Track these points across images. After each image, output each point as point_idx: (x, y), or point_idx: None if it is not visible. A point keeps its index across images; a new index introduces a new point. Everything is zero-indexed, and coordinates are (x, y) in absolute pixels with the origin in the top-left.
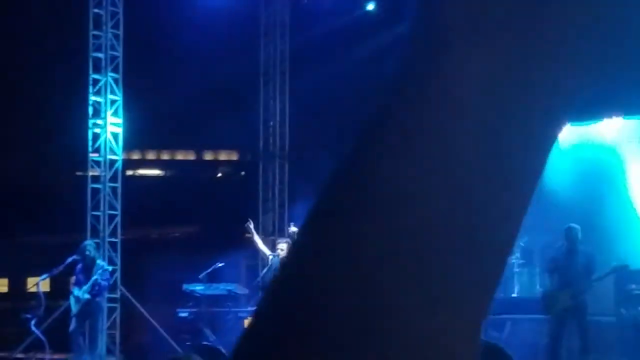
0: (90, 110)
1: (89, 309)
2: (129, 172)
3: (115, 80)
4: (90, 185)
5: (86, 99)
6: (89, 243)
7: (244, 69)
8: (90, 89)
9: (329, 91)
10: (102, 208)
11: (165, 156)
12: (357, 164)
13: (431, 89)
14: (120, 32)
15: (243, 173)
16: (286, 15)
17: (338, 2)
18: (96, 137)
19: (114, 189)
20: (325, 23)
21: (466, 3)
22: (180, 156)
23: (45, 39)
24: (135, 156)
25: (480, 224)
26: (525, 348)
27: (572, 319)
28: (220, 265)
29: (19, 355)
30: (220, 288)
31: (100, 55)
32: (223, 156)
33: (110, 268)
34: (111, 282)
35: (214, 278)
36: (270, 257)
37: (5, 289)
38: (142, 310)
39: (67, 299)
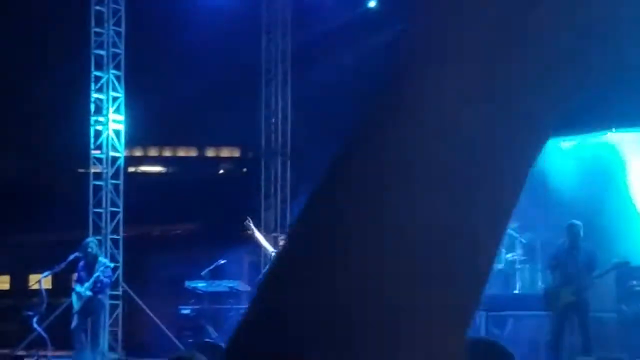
0: (92, 107)
1: (91, 306)
2: (131, 169)
3: (117, 78)
4: (92, 182)
5: (88, 96)
6: (91, 240)
7: (246, 66)
8: (92, 86)
9: (331, 88)
10: (104, 205)
11: (167, 153)
12: (341, 176)
13: (415, 103)
14: (122, 30)
15: (245, 170)
16: (288, 12)
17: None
18: (98, 134)
19: (116, 186)
20: (326, 20)
21: (451, 21)
22: (182, 153)
23: (47, 37)
24: (138, 153)
25: (464, 232)
26: (527, 344)
27: (574, 316)
28: (222, 262)
29: (21, 353)
30: (223, 285)
31: (102, 52)
32: (225, 153)
33: (112, 265)
34: (113, 279)
35: (216, 275)
36: (273, 253)
37: (7, 286)
38: (144, 307)
39: (69, 296)
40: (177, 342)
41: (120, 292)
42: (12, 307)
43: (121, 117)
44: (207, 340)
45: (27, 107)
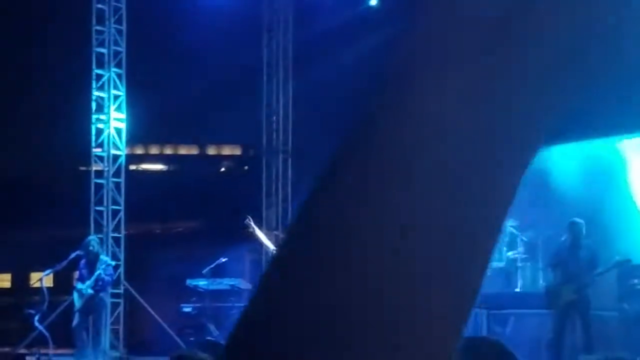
0: (94, 105)
1: (92, 304)
2: (132, 167)
3: (119, 76)
4: (94, 180)
5: (89, 94)
6: (93, 238)
7: (247, 64)
8: (94, 84)
9: (332, 86)
10: (105, 203)
11: (168, 151)
12: (341, 175)
13: (414, 103)
14: (124, 28)
15: (246, 168)
16: (289, 10)
17: None
18: (99, 132)
19: (117, 184)
20: (328, 18)
21: (451, 21)
22: (183, 151)
23: (48, 35)
24: (139, 151)
25: (463, 232)
26: (528, 343)
27: (575, 314)
28: (223, 260)
29: (22, 351)
30: (224, 283)
31: (104, 50)
32: (226, 151)
33: (113, 263)
34: (115, 277)
35: (217, 273)
36: (274, 251)
37: (8, 284)
38: (146, 305)
39: (71, 294)
40: (178, 340)
41: (121, 290)
42: (14, 305)
43: (122, 115)
44: (208, 338)
45: (28, 105)
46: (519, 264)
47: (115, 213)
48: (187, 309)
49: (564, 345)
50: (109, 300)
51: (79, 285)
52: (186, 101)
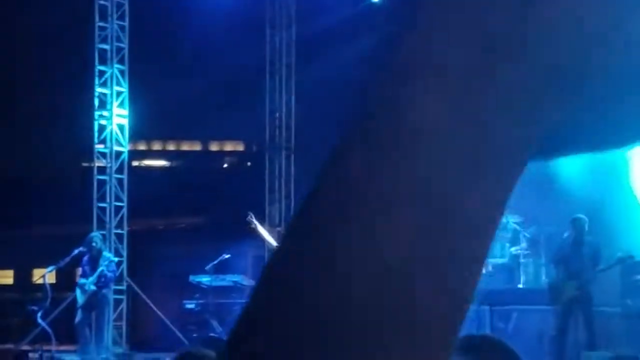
0: (96, 101)
1: (95, 301)
2: (135, 163)
3: (121, 72)
4: (97, 177)
5: (92, 91)
6: (95, 235)
7: (250, 60)
8: (96, 81)
9: (335, 82)
10: (108, 199)
11: (171, 147)
12: (340, 174)
13: (390, 118)
14: (126, 24)
15: (249, 164)
16: (292, 5)
17: None
18: (102, 128)
19: (120, 181)
20: (330, 14)
21: (432, 38)
22: (186, 147)
23: (51, 31)
24: (141, 147)
25: (446, 256)
26: (531, 339)
27: (578, 310)
28: (226, 256)
29: (25, 347)
30: (227, 279)
31: (106, 46)
32: (229, 147)
33: (116, 259)
34: (117, 273)
35: (220, 269)
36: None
37: (10, 281)
38: (149, 301)
39: (73, 290)
40: (181, 336)
41: (124, 287)
42: (16, 301)
43: (125, 112)
44: (211, 334)
45: (31, 102)
46: (522, 260)
47: (118, 209)
48: (190, 305)
49: (566, 341)
50: (111, 297)
51: (82, 282)
52: (189, 97)
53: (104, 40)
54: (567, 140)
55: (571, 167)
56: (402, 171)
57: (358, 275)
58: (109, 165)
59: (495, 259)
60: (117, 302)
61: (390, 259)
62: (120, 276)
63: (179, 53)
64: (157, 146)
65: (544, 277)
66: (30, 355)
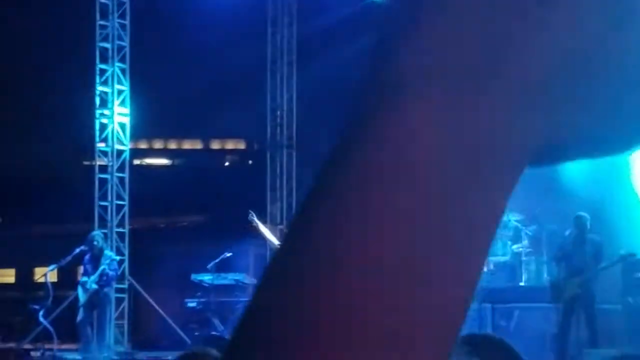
0: (97, 100)
1: (97, 299)
2: (136, 162)
3: (122, 70)
4: (98, 175)
5: (93, 89)
6: (97, 233)
7: (251, 58)
8: (97, 79)
9: (337, 80)
10: (109, 198)
11: (172, 145)
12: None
13: (389, 136)
14: (127, 22)
15: (250, 162)
16: (293, 4)
17: None
18: (103, 127)
19: (121, 179)
20: (332, 12)
21: (430, 49)
22: (187, 145)
23: (52, 30)
24: (143, 145)
25: (444, 263)
26: (533, 337)
27: (580, 308)
28: (228, 255)
29: (27, 346)
30: (229, 278)
31: (107, 45)
32: (230, 145)
33: (118, 258)
34: (119, 272)
35: (222, 268)
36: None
37: (12, 280)
38: (150, 300)
39: (75, 289)
40: (183, 335)
41: (126, 285)
42: (18, 300)
43: (126, 110)
44: (213, 333)
45: (32, 101)
46: (524, 258)
47: (119, 208)
48: (192, 303)
49: (568, 339)
50: (113, 296)
51: (84, 280)
52: (190, 95)
53: (105, 38)
54: (566, 145)
55: (572, 165)
56: (400, 173)
57: (358, 275)
58: (110, 163)
59: (496, 257)
60: (119, 301)
61: (390, 258)
62: (122, 275)
63: (180, 51)
64: (158, 145)
65: (545, 275)
66: (32, 354)
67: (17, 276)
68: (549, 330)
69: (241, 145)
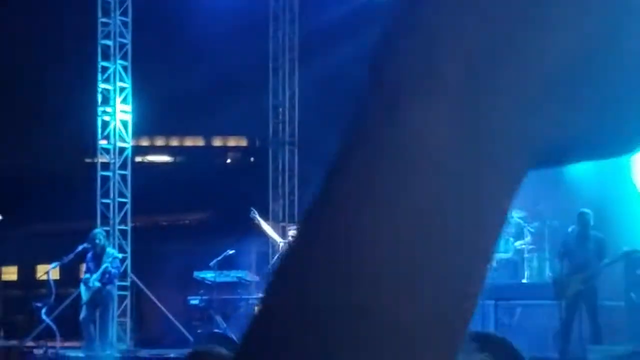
0: (99, 97)
1: (99, 297)
2: (138, 159)
3: (124, 68)
4: (100, 173)
5: (95, 87)
6: (99, 231)
7: (253, 55)
8: (99, 77)
9: (338, 77)
10: (111, 195)
11: (174, 142)
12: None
13: (392, 137)
14: (129, 19)
15: (252, 159)
16: (295, 1)
17: None
18: (105, 124)
19: (123, 177)
20: (334, 9)
21: (445, 53)
22: (189, 142)
23: (54, 27)
24: (144, 142)
25: (448, 264)
26: (536, 333)
27: (583, 304)
28: (230, 252)
29: (30, 344)
30: (231, 275)
31: (109, 42)
32: (232, 142)
33: (120, 256)
34: (121, 269)
35: (224, 265)
36: (282, 244)
37: (14, 277)
38: (153, 297)
39: (77, 286)
40: (185, 332)
41: (128, 283)
42: (21, 298)
43: (128, 108)
44: (215, 330)
45: (34, 99)
46: (526, 255)
47: (121, 205)
48: (194, 301)
49: (571, 335)
50: (116, 293)
51: (86, 277)
52: (192, 93)
53: (106, 36)
54: (568, 147)
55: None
56: (403, 175)
57: (363, 276)
58: (112, 161)
59: (499, 254)
60: (121, 299)
61: (399, 257)
62: (124, 272)
63: (182, 49)
64: (160, 142)
65: (548, 272)
66: (35, 351)
67: (19, 274)
68: (552, 327)
69: (243, 143)
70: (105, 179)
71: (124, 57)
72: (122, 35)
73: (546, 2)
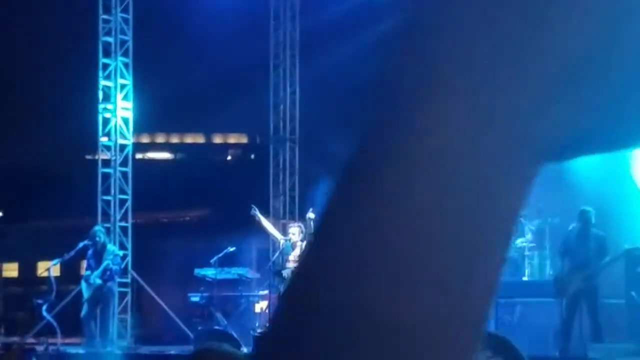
0: (100, 94)
1: (100, 294)
2: (139, 156)
3: (125, 65)
4: (101, 170)
5: (96, 84)
6: (99, 229)
7: (254, 52)
8: (100, 74)
9: (339, 74)
10: (112, 192)
11: (174, 139)
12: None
13: (392, 137)
14: (130, 16)
15: (253, 156)
16: None
17: None
18: (106, 121)
19: (124, 174)
20: (334, 6)
21: (447, 54)
22: (189, 139)
23: (55, 24)
24: (145, 139)
25: (458, 265)
26: (536, 331)
27: (584, 302)
28: (231, 249)
29: (31, 341)
30: (232, 272)
31: (110, 39)
32: (232, 139)
33: (121, 253)
34: (122, 266)
35: (225, 262)
36: (282, 241)
37: (15, 274)
38: (153, 294)
39: (78, 283)
40: (186, 329)
41: (129, 280)
42: (21, 295)
43: (129, 104)
44: (216, 327)
45: (35, 96)
46: (527, 253)
47: (122, 202)
48: (195, 298)
49: (572, 333)
50: (116, 290)
51: (87, 274)
52: (192, 90)
53: (108, 33)
54: (568, 146)
55: (577, 159)
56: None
57: (363, 276)
58: (113, 158)
59: None
60: (122, 296)
61: (394, 258)
62: (125, 269)
63: (183, 46)
64: (161, 139)
65: (549, 270)
66: (36, 348)
67: (20, 271)
68: (552, 325)
69: (243, 140)
70: (106, 176)
71: (125, 54)
72: (123, 32)
73: (546, 2)
